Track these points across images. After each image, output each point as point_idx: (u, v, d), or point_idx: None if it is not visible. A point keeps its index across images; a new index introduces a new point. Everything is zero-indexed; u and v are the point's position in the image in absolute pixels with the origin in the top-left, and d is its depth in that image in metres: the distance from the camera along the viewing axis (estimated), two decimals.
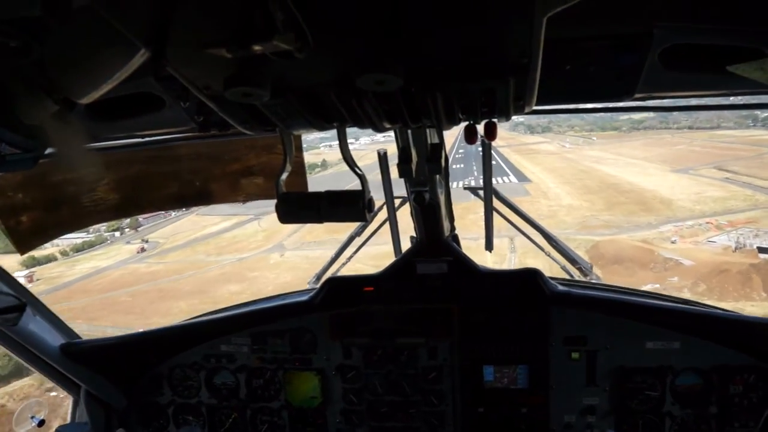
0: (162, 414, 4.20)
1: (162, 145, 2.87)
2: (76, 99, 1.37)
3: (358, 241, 4.51)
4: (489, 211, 4.02)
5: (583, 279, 4.18)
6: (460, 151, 50.34)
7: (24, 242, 2.86)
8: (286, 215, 1.99)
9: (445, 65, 1.41)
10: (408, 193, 3.43)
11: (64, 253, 50.92)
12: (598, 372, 3.63)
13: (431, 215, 3.58)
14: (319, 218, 1.97)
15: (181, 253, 50.21)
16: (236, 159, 3.33)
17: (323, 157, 73.38)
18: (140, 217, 58.14)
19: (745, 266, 32.03)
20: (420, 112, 1.62)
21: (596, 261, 33.19)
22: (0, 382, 21.00)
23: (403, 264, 3.83)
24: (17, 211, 2.78)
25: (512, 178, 61.92)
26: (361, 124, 1.75)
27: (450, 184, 3.66)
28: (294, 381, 3.99)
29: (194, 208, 60.71)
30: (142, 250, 51.92)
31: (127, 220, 56.10)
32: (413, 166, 2.82)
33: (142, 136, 2.59)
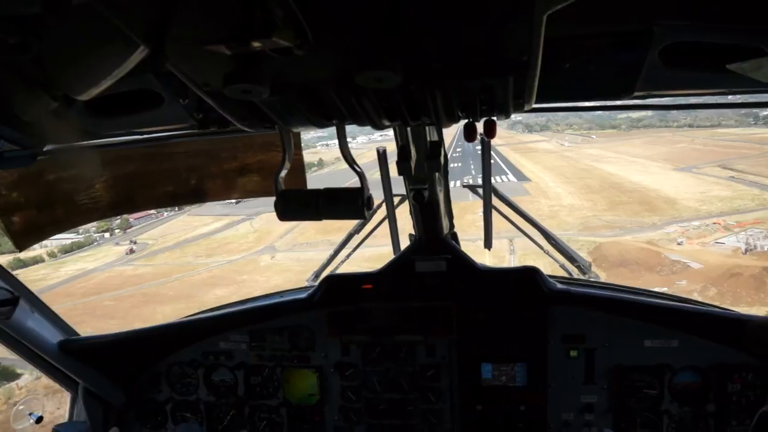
0: (160, 411, 4.20)
1: (161, 142, 2.86)
2: (74, 95, 1.37)
3: (356, 238, 4.50)
4: (488, 209, 4.02)
5: (581, 277, 4.19)
6: (458, 149, 50.28)
7: (22, 239, 2.86)
8: (285, 212, 1.99)
9: (444, 63, 1.41)
10: (407, 191, 3.43)
11: (51, 255, 50.35)
12: (596, 370, 3.63)
13: (430, 213, 3.58)
14: (318, 216, 1.97)
15: (170, 254, 49.73)
16: (235, 156, 3.34)
17: (320, 156, 73.21)
18: (131, 218, 57.84)
19: (757, 269, 31.07)
20: (419, 109, 1.63)
21: (600, 263, 32.58)
22: None
23: (402, 262, 3.83)
24: (15, 208, 2.77)
25: (511, 177, 61.72)
26: (361, 122, 1.75)
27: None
28: (292, 378, 3.99)
29: (186, 208, 60.46)
30: (131, 251, 51.41)
31: (118, 221, 55.70)
32: (412, 164, 2.82)
33: (141, 133, 2.58)
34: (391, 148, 2.93)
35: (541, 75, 1.45)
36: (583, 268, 4.18)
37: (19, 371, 21.66)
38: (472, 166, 43.09)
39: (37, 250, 46.18)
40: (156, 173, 3.28)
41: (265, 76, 1.34)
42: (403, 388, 3.85)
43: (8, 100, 1.39)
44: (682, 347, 3.51)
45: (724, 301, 26.24)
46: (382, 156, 3.53)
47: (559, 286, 3.69)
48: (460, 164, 49.25)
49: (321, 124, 1.81)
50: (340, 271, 4.38)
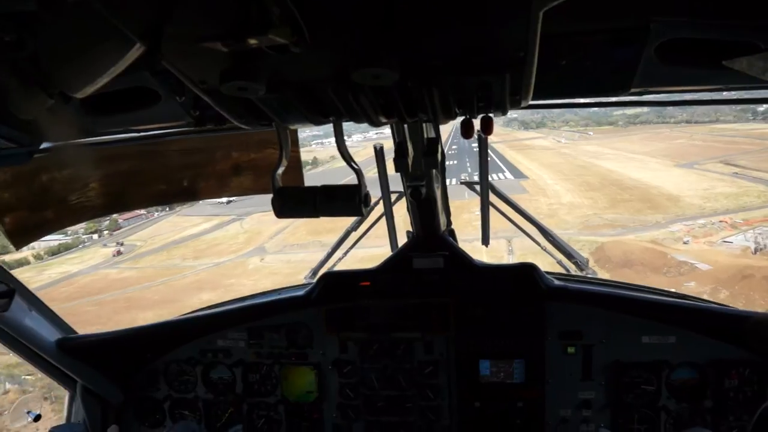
0: (158, 409, 4.20)
1: (157, 140, 2.85)
2: (71, 93, 1.37)
3: (354, 236, 4.50)
4: (485, 205, 4.01)
5: (579, 273, 4.19)
6: (453, 147, 50.17)
7: (19, 237, 2.85)
8: (283, 210, 1.99)
9: (441, 59, 1.41)
10: (404, 188, 3.43)
11: (37, 257, 49.58)
12: (593, 366, 3.64)
13: (427, 210, 3.58)
14: (315, 213, 1.97)
15: (157, 257, 49.06)
16: (231, 154, 3.33)
17: (314, 155, 73.20)
18: (120, 219, 57.53)
19: None
20: (416, 106, 1.63)
21: (603, 264, 31.91)
22: None
23: (400, 259, 3.83)
24: (12, 205, 2.77)
25: (508, 174, 61.46)
26: (358, 119, 1.76)
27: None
28: (290, 376, 3.99)
29: (177, 208, 59.78)
30: (118, 253, 50.82)
31: (107, 222, 55.12)
32: (409, 161, 2.83)
33: (138, 131, 2.58)
34: (388, 146, 2.93)
35: (538, 71, 1.45)
36: (580, 264, 4.18)
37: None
38: (468, 164, 42.77)
39: (23, 252, 45.27)
40: (151, 171, 3.27)
41: (262, 74, 1.34)
42: (401, 385, 3.85)
43: (4, 97, 1.38)
44: (680, 343, 3.52)
45: (736, 304, 24.65)
46: (379, 153, 3.52)
47: (557, 282, 3.70)
48: (456, 162, 49.04)
49: (318, 122, 1.82)
50: (337, 268, 4.37)
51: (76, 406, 4.02)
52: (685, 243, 36.79)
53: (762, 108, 72.68)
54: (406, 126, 2.56)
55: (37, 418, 3.76)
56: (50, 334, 3.67)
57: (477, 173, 4.00)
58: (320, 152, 72.28)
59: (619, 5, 1.58)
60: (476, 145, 3.73)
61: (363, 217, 4.03)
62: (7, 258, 38.46)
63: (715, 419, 3.53)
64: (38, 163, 2.52)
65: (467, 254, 3.79)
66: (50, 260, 50.46)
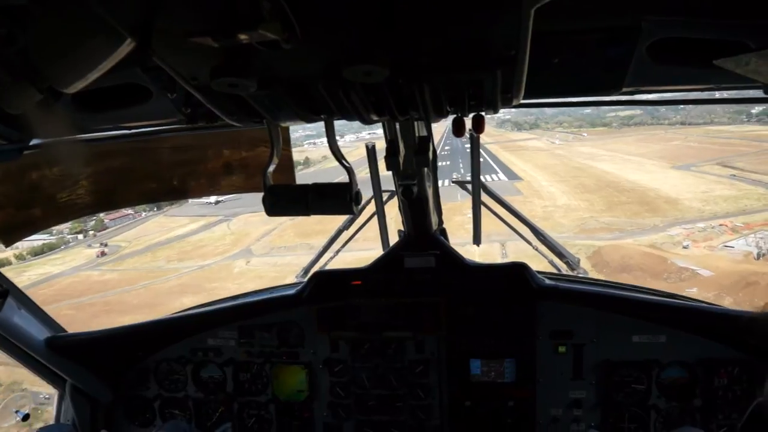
0: (148, 408, 4.18)
1: (148, 137, 2.84)
2: (61, 88, 1.36)
3: (346, 234, 4.50)
4: (477, 205, 4.02)
5: (570, 273, 4.20)
6: (446, 147, 50.10)
7: (8, 235, 2.83)
8: (274, 208, 1.99)
9: (432, 57, 1.41)
10: (396, 187, 3.42)
11: (20, 257, 48.57)
12: (584, 366, 3.66)
13: (419, 209, 3.59)
14: (307, 211, 1.97)
15: (141, 258, 48.32)
16: (223, 152, 3.33)
17: (306, 155, 72.87)
18: (107, 219, 56.79)
19: None
20: (407, 104, 1.63)
21: (601, 269, 31.46)
22: None
23: (391, 258, 3.83)
24: (1, 202, 2.75)
25: (501, 176, 61.30)
26: (349, 116, 1.76)
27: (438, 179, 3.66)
28: (281, 375, 3.99)
29: (164, 209, 58.68)
30: (102, 254, 50.12)
31: (92, 222, 54.24)
32: (401, 159, 2.83)
33: (129, 128, 2.56)
34: (380, 146, 2.92)
35: (530, 70, 1.45)
36: (571, 264, 4.18)
37: None
38: (461, 164, 42.66)
39: (6, 252, 43.99)
40: (142, 169, 3.26)
41: (253, 70, 1.34)
42: (392, 384, 3.85)
43: None
44: (670, 342, 3.54)
45: None
46: (371, 152, 3.52)
47: (548, 281, 3.71)
48: (449, 162, 48.98)
49: (309, 119, 1.81)
50: (329, 267, 4.37)
51: (65, 406, 3.99)
52: (684, 247, 36.43)
53: (756, 110, 73.18)
54: (397, 124, 2.56)
55: (26, 417, 3.73)
56: (39, 333, 3.64)
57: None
58: (312, 152, 71.73)
59: (611, 4, 1.58)
60: (469, 144, 3.73)
61: (354, 215, 4.02)
62: None
63: (704, 418, 3.55)
64: (28, 159, 2.51)
65: (458, 253, 3.79)
66: (32, 260, 49.61)
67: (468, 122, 1.85)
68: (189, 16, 1.20)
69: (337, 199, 1.95)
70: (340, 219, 4.44)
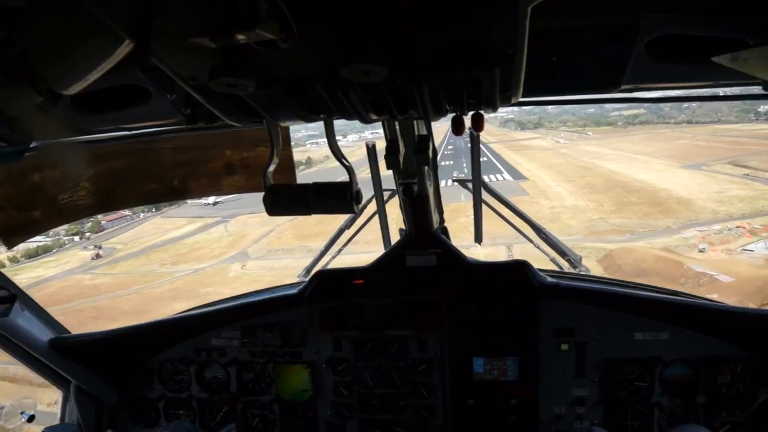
0: (153, 408, 4.20)
1: (149, 138, 2.85)
2: (60, 90, 1.36)
3: (347, 234, 4.50)
4: (478, 203, 4.02)
5: (572, 271, 4.19)
6: (449, 147, 49.95)
7: (9, 237, 2.85)
8: (274, 207, 2.00)
9: (430, 56, 1.41)
10: (396, 186, 3.43)
11: (13, 260, 47.98)
12: (587, 363, 3.65)
13: (420, 207, 3.58)
14: (307, 210, 1.98)
15: (135, 261, 47.47)
16: (224, 152, 3.33)
17: (308, 155, 72.68)
18: (104, 220, 56.49)
19: None
20: (406, 103, 1.64)
21: (613, 273, 29.26)
22: None
23: (393, 256, 3.83)
24: (2, 204, 2.76)
25: (506, 175, 60.08)
26: (348, 116, 1.76)
27: (439, 179, 3.66)
28: (284, 374, 4.00)
29: (162, 210, 58.06)
30: (97, 256, 49.67)
31: (89, 224, 53.76)
32: (401, 158, 2.83)
33: (129, 129, 2.57)
34: (381, 145, 2.93)
35: (529, 68, 1.45)
36: (573, 261, 4.17)
37: None
38: (465, 164, 42.17)
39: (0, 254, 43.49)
40: (143, 170, 3.27)
41: (251, 70, 1.34)
42: (395, 382, 3.86)
43: None
44: (673, 340, 3.53)
45: None
46: (371, 151, 3.52)
47: (550, 279, 3.70)
48: (452, 162, 48.71)
49: (309, 119, 1.82)
50: (331, 266, 4.37)
51: (69, 407, 4.01)
52: (701, 251, 34.48)
53: (764, 108, 72.51)
54: (397, 123, 2.57)
55: (31, 419, 3.75)
56: (43, 334, 3.66)
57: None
58: (315, 152, 71.36)
59: (609, 2, 1.59)
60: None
61: (355, 214, 4.03)
62: None
63: (707, 415, 3.54)
64: (29, 161, 2.52)
65: (460, 252, 3.78)
66: (26, 263, 49.16)
67: (467, 121, 1.85)
68: (187, 17, 1.20)
69: (337, 198, 1.95)
70: (340, 220, 4.43)
